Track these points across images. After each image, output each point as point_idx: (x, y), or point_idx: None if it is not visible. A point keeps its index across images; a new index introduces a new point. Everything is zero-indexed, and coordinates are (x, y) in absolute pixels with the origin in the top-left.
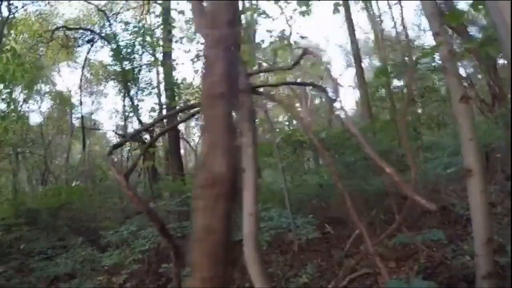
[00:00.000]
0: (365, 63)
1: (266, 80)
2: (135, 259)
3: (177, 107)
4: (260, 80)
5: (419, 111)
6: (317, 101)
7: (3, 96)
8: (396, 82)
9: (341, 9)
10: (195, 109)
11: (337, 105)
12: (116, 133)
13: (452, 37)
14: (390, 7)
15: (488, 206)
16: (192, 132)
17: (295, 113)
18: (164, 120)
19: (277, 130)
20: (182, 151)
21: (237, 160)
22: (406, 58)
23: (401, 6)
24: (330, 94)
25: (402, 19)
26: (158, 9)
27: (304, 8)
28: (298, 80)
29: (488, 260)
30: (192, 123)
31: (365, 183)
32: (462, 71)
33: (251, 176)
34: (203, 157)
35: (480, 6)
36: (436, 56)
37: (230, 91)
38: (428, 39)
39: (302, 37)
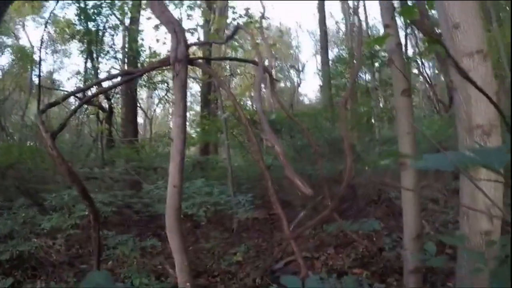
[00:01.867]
0: (334, 52)
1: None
2: (72, 224)
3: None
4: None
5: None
6: (282, 84)
7: None
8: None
9: None
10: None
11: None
12: (73, 94)
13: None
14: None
15: (419, 201)
16: (154, 102)
17: (227, 90)
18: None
19: (227, 105)
20: (141, 120)
21: None
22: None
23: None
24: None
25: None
26: None
27: None
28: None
29: (415, 255)
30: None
31: (312, 168)
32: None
33: (178, 147)
34: None
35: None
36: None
37: None
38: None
39: (263, 17)
